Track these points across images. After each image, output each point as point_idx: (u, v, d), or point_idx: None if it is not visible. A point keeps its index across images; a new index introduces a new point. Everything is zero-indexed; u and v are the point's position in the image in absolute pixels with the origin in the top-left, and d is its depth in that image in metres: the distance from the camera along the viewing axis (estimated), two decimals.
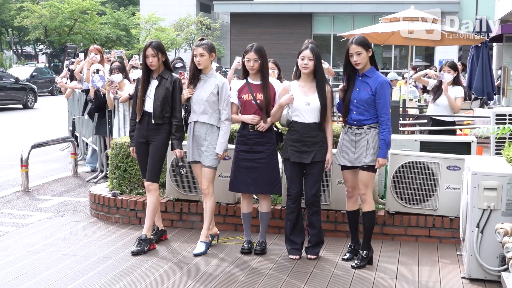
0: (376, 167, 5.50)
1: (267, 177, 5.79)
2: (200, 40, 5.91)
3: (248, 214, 6.00)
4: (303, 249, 5.83)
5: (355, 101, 5.48)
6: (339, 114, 10.60)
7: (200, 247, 5.92)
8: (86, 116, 10.26)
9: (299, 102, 5.58)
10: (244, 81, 5.88)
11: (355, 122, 5.50)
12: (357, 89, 5.49)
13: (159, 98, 5.91)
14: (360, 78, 5.50)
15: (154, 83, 5.99)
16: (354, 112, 5.49)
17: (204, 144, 5.84)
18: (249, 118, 5.76)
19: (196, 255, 5.83)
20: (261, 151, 5.79)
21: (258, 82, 5.82)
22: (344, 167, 5.63)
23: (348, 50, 5.45)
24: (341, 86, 5.70)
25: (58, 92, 30.63)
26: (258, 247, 5.95)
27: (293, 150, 5.62)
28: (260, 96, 5.77)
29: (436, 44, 14.45)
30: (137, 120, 6.02)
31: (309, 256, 5.77)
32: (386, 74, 18.94)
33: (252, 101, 5.77)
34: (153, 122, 5.93)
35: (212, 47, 5.86)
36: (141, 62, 6.30)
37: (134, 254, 5.88)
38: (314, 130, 5.61)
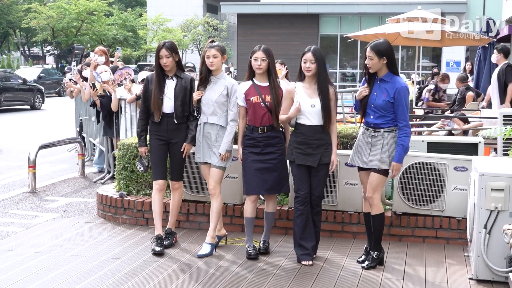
0: (392, 173, 5.48)
1: (278, 177, 5.76)
2: (211, 41, 5.88)
3: (252, 219, 5.85)
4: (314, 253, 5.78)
5: (372, 105, 5.46)
6: (346, 115, 10.60)
7: (205, 249, 5.90)
8: (93, 117, 10.28)
9: (305, 104, 5.55)
10: (250, 83, 5.82)
11: (372, 125, 5.48)
12: (375, 94, 5.45)
13: (179, 98, 5.93)
14: (378, 82, 5.47)
15: (170, 82, 5.99)
16: (371, 116, 5.47)
17: (216, 145, 5.83)
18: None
19: (200, 257, 5.82)
20: (272, 152, 5.75)
21: (266, 84, 5.77)
22: (360, 169, 5.62)
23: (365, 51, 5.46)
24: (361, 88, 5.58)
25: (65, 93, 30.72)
26: (262, 246, 5.94)
27: (298, 152, 5.59)
28: (269, 98, 5.72)
29: (443, 45, 14.38)
30: (156, 121, 5.98)
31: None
32: None
33: (261, 103, 5.72)
34: (175, 122, 5.95)
35: (224, 49, 5.86)
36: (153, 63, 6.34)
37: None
38: (319, 132, 5.58)
